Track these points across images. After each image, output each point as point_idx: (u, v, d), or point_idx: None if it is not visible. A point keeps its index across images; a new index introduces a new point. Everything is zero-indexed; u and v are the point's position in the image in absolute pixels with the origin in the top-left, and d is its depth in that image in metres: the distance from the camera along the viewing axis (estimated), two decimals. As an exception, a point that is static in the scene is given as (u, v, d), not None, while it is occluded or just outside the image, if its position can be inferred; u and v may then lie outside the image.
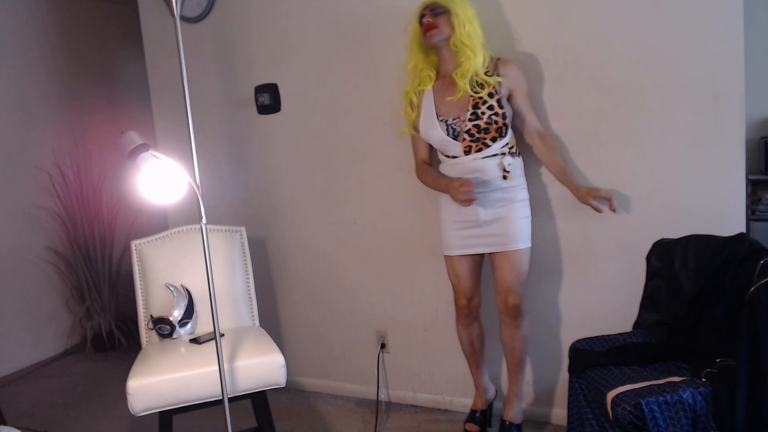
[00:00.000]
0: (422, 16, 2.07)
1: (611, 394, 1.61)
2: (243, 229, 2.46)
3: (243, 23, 2.78)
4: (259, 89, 2.77)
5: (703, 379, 1.58)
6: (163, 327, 2.18)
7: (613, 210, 2.09)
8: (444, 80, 2.14)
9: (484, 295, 2.30)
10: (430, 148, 2.27)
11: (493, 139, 2.05)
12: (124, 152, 1.65)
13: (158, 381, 1.86)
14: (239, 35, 2.80)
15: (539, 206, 2.28)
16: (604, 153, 2.18)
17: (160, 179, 1.65)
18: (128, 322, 3.82)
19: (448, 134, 2.09)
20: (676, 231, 1.99)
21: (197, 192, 1.68)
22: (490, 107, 2.03)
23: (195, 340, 2.11)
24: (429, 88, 2.16)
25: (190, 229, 2.38)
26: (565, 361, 2.23)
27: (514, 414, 2.26)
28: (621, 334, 1.97)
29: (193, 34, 2.89)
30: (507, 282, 2.11)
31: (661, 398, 1.52)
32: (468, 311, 2.25)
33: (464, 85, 2.02)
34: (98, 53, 4.16)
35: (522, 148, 2.19)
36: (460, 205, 2.09)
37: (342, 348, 2.84)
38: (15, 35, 3.62)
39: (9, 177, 3.55)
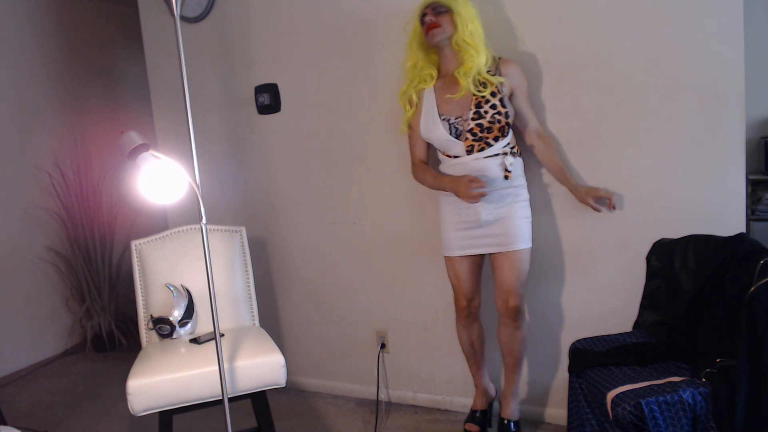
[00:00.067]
0: (424, 15, 2.07)
1: (611, 394, 1.60)
2: (243, 229, 2.46)
3: (243, 23, 2.78)
4: (259, 89, 2.77)
5: (703, 379, 1.58)
6: (163, 327, 2.18)
7: (613, 208, 2.09)
8: (445, 79, 2.14)
9: (484, 295, 2.30)
10: (428, 147, 2.27)
11: (496, 139, 2.05)
12: (124, 152, 1.65)
13: (158, 381, 1.86)
14: (239, 35, 2.80)
15: (539, 206, 2.28)
16: (604, 153, 2.18)
17: (160, 179, 1.65)
18: (128, 322, 3.82)
19: (450, 133, 2.09)
20: (676, 231, 1.99)
21: (197, 192, 1.68)
22: (493, 106, 2.03)
23: (195, 340, 2.11)
24: (430, 87, 2.16)
25: (190, 229, 2.38)
26: (564, 361, 2.23)
27: (511, 412, 2.26)
28: (621, 334, 1.97)
29: (193, 34, 2.89)
30: (508, 283, 2.11)
31: (661, 398, 1.51)
32: (468, 312, 2.25)
33: (467, 83, 2.02)
34: (98, 53, 4.16)
35: (521, 148, 2.19)
36: (462, 205, 2.10)
37: (342, 348, 2.84)
38: (15, 35, 3.62)
39: (9, 177, 3.55)
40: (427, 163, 2.27)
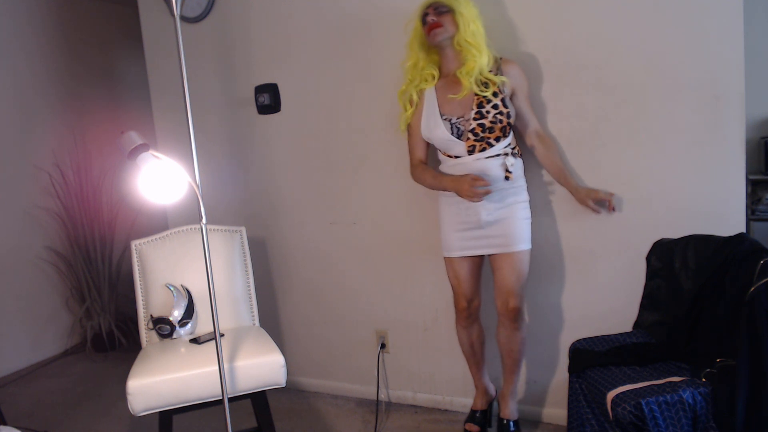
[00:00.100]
0: (425, 14, 2.06)
1: (611, 394, 1.60)
2: (243, 229, 2.46)
3: (243, 23, 2.78)
4: (259, 89, 2.77)
5: (703, 379, 1.58)
6: (163, 327, 2.18)
7: (612, 210, 2.09)
8: (447, 79, 2.13)
9: (483, 296, 2.30)
10: (428, 148, 2.27)
11: (497, 139, 2.05)
12: (124, 152, 1.65)
13: (158, 381, 1.86)
14: (239, 35, 2.80)
15: (539, 206, 2.28)
16: (604, 153, 2.18)
17: (160, 179, 1.65)
18: (128, 322, 3.82)
19: (452, 133, 2.08)
20: (676, 231, 1.99)
21: (197, 192, 1.68)
22: (495, 106, 2.03)
23: (195, 340, 2.11)
24: (431, 87, 2.16)
25: (190, 229, 2.38)
26: (564, 361, 2.23)
27: (510, 411, 2.26)
28: (621, 334, 1.97)
29: (193, 34, 2.89)
30: (508, 284, 2.11)
31: (661, 398, 1.51)
32: (468, 313, 2.24)
33: (469, 83, 2.02)
34: (98, 53, 4.16)
35: (522, 149, 2.18)
36: (462, 205, 2.10)
37: (342, 348, 2.84)
38: (15, 35, 3.62)
39: (9, 177, 3.55)
40: (426, 164, 2.27)
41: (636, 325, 2.02)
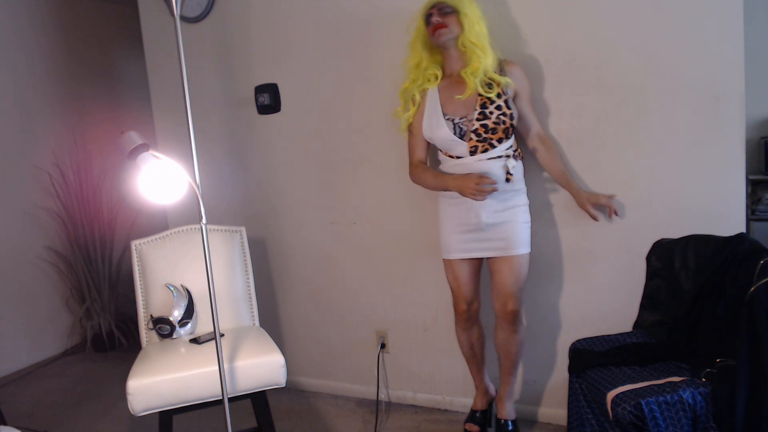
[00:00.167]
0: (429, 15, 2.06)
1: (611, 394, 1.61)
2: (243, 229, 2.46)
3: (243, 23, 2.78)
4: (259, 89, 2.77)
5: (703, 379, 1.58)
6: (163, 327, 2.18)
7: (615, 214, 2.10)
8: (450, 79, 2.13)
9: (483, 297, 2.30)
10: (428, 148, 2.26)
11: (500, 140, 2.05)
12: (124, 152, 1.65)
13: (158, 381, 1.86)
14: (239, 35, 2.80)
15: (540, 206, 2.28)
16: (604, 153, 2.18)
17: (160, 179, 1.65)
18: (128, 322, 3.82)
19: (454, 133, 2.08)
20: (676, 231, 1.99)
21: (197, 192, 1.68)
22: (498, 107, 2.02)
23: (195, 340, 2.11)
24: (434, 87, 2.15)
25: (190, 229, 2.38)
26: (564, 361, 2.23)
27: (508, 412, 2.26)
28: (621, 334, 1.97)
29: (193, 34, 2.89)
30: (506, 287, 2.10)
31: (661, 398, 1.51)
32: (468, 316, 2.24)
33: (474, 83, 2.01)
34: (98, 53, 4.16)
35: (523, 152, 2.18)
36: (462, 207, 2.10)
37: (342, 348, 2.84)
38: (15, 35, 3.62)
39: (9, 177, 3.55)
40: (426, 164, 2.27)
41: (636, 325, 2.02)
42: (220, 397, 1.87)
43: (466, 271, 2.19)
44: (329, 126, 2.68)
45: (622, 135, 2.15)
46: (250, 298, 2.41)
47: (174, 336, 2.19)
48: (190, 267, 2.28)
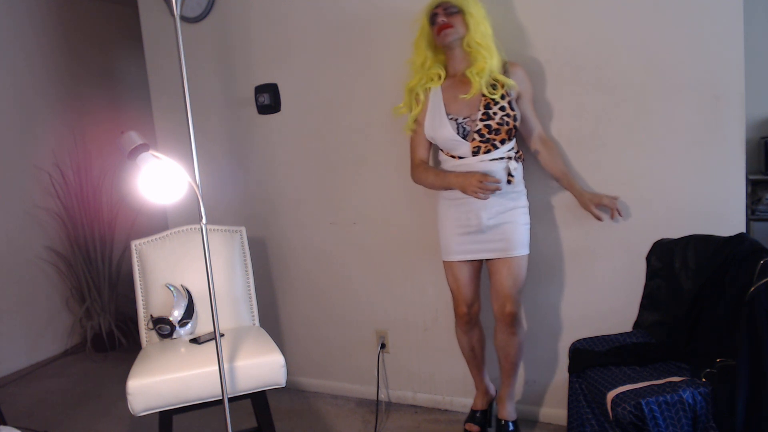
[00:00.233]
0: (434, 14, 2.05)
1: (611, 394, 1.61)
2: (243, 229, 2.46)
3: (243, 23, 2.78)
4: (259, 89, 2.77)
5: (703, 379, 1.58)
6: (163, 327, 2.18)
7: (619, 215, 2.09)
8: (454, 79, 2.12)
9: (483, 299, 2.29)
10: (430, 148, 2.26)
11: (502, 141, 2.04)
12: (124, 152, 1.65)
13: (158, 381, 1.86)
14: (239, 35, 2.80)
15: (540, 206, 2.28)
16: (604, 153, 2.18)
17: (160, 179, 1.65)
18: (128, 322, 3.83)
19: (457, 133, 2.08)
20: (676, 231, 1.99)
21: (197, 192, 1.68)
22: (502, 108, 2.02)
23: (195, 340, 2.11)
24: (437, 86, 2.15)
25: (190, 229, 2.38)
26: (564, 361, 2.23)
27: (508, 412, 2.26)
28: (621, 334, 1.97)
29: (193, 34, 2.89)
30: (505, 289, 2.10)
31: (661, 398, 1.51)
32: (468, 318, 2.23)
33: (480, 83, 2.01)
34: (98, 53, 4.16)
35: (525, 154, 2.18)
36: (462, 208, 2.09)
37: (342, 348, 2.84)
38: (15, 35, 3.62)
39: (9, 177, 3.55)
40: (428, 164, 2.26)
41: (636, 325, 2.02)
42: (220, 397, 1.87)
43: (466, 273, 2.19)
44: (329, 126, 2.68)
45: (622, 135, 2.15)
46: (250, 298, 2.41)
47: (174, 336, 2.19)
48: (190, 267, 2.28)
